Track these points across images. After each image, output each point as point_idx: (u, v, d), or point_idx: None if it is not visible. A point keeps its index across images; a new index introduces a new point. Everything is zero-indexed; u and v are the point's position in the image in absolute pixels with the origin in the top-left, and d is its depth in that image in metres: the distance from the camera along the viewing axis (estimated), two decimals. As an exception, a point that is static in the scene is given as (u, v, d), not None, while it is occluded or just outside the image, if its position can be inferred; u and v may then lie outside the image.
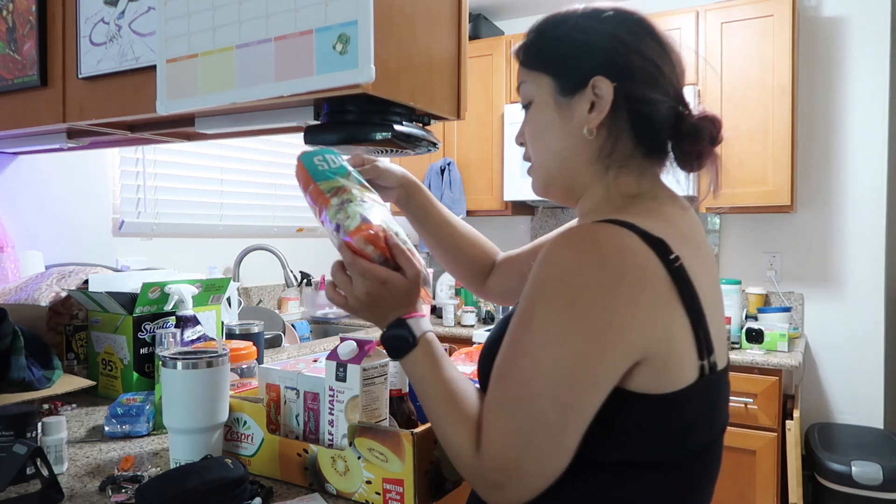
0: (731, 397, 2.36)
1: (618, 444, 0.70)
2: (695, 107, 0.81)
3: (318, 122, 1.11)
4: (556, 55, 0.80)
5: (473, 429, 0.72)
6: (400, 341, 0.79)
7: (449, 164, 3.26)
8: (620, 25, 0.78)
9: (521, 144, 0.88)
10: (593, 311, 0.66)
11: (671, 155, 0.81)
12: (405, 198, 1.10)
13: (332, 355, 0.97)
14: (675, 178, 0.83)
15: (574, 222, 0.89)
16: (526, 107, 0.84)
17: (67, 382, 1.34)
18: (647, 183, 0.80)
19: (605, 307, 0.65)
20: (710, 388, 0.73)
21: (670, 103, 0.78)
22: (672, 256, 0.69)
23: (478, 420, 0.73)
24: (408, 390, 1.04)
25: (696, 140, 0.77)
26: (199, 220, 2.62)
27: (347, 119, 1.05)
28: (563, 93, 0.79)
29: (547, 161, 0.83)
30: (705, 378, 0.71)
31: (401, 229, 0.83)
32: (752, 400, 2.39)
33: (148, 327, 1.46)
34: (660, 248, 0.69)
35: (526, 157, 0.87)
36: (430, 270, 3.13)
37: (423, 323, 0.81)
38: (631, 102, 0.77)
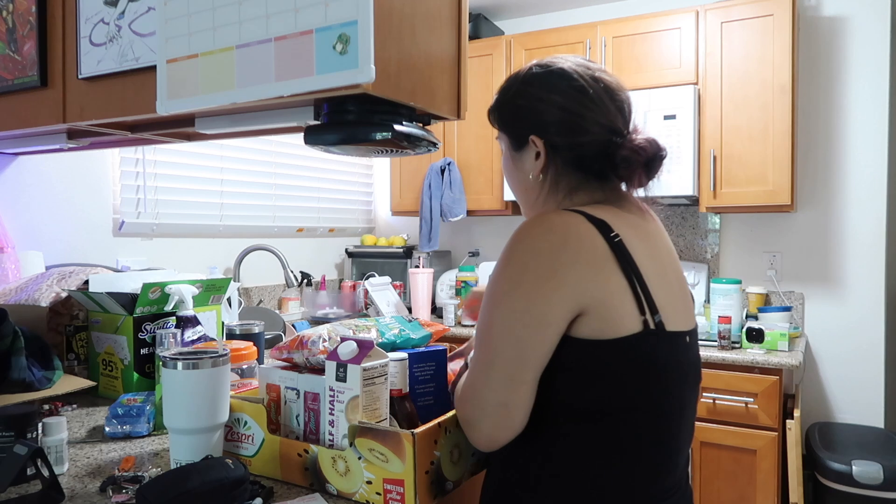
0: (731, 397, 2.38)
1: (578, 389, 0.86)
2: (641, 128, 0.97)
3: (318, 122, 1.11)
4: (506, 119, 1.03)
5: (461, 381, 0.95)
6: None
7: (449, 164, 3.26)
8: (545, 86, 0.97)
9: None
10: (541, 267, 0.84)
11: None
12: None
13: (333, 355, 0.97)
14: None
15: None
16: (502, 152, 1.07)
17: (68, 383, 1.34)
18: (597, 196, 0.97)
19: (549, 266, 0.84)
20: (661, 343, 0.88)
21: (600, 139, 0.94)
22: (612, 234, 0.87)
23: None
24: (408, 390, 1.04)
25: (628, 167, 0.93)
26: (199, 221, 2.62)
27: (347, 119, 1.05)
28: (515, 149, 1.02)
29: (516, 193, 1.07)
30: (650, 332, 0.86)
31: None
32: (752, 399, 2.39)
33: (148, 327, 1.46)
34: (601, 227, 0.87)
35: None
36: (431, 270, 3.13)
37: None
38: (559, 149, 0.96)
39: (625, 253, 0.87)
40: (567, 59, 1.00)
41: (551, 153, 0.97)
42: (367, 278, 3.13)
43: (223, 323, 1.66)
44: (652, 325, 0.87)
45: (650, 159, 0.93)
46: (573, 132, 0.95)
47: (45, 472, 0.92)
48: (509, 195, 3.15)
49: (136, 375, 1.44)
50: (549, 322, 0.84)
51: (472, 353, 0.98)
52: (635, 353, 0.85)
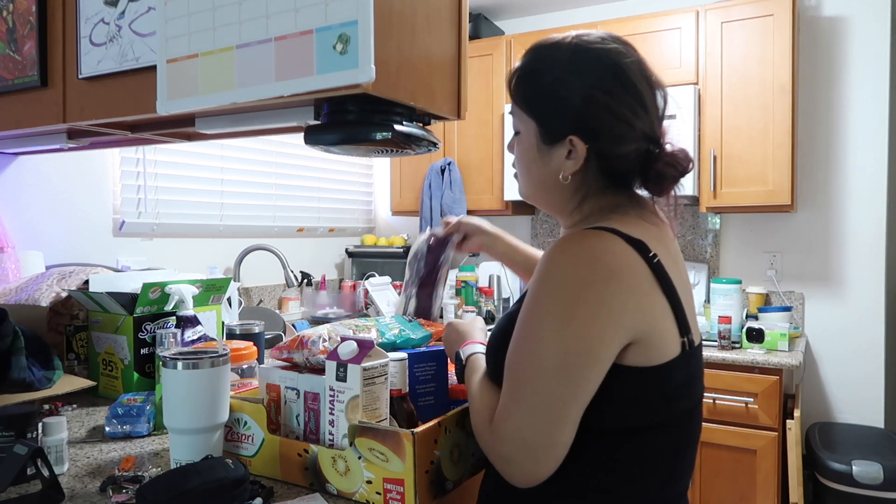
0: (731, 397, 2.38)
1: (615, 413, 0.82)
2: (672, 139, 0.90)
3: (319, 122, 1.11)
4: (540, 106, 0.90)
5: (489, 411, 0.86)
6: (459, 371, 1.04)
7: (449, 164, 3.26)
8: (599, 80, 0.86)
9: (512, 152, 0.99)
10: (591, 302, 0.79)
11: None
12: (490, 244, 1.32)
13: (333, 355, 0.97)
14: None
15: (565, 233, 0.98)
16: (516, 132, 0.96)
17: (68, 383, 1.34)
18: (619, 200, 0.91)
19: (599, 299, 0.78)
20: (690, 361, 0.86)
21: (641, 149, 0.88)
22: (651, 254, 0.82)
23: (494, 406, 0.86)
24: (408, 390, 1.04)
25: (661, 181, 0.89)
26: (199, 221, 2.62)
27: (348, 119, 1.05)
28: (544, 140, 0.90)
29: (529, 184, 0.97)
30: (686, 353, 0.84)
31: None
32: (752, 399, 2.39)
33: (148, 327, 1.46)
34: (640, 247, 0.82)
35: (513, 164, 0.98)
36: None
37: (469, 348, 1.03)
38: (600, 158, 0.89)
39: (664, 274, 0.83)
40: (609, 41, 0.89)
41: (591, 158, 0.88)
42: (367, 278, 3.13)
43: (223, 323, 1.66)
44: (687, 346, 0.85)
45: (683, 173, 0.88)
46: (619, 142, 0.87)
47: (45, 472, 0.92)
48: (510, 195, 3.15)
49: (136, 375, 1.44)
50: (602, 359, 0.79)
51: (477, 366, 0.98)
52: (675, 376, 0.84)
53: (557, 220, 0.99)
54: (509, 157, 3.15)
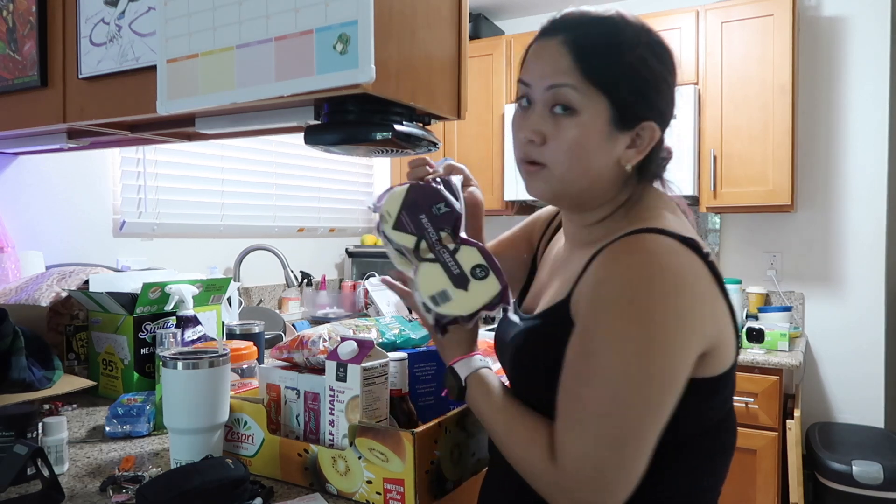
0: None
1: (679, 424, 0.74)
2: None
3: (319, 122, 1.11)
4: (618, 85, 0.78)
5: (544, 447, 0.75)
6: (453, 390, 0.88)
7: (449, 164, 3.26)
8: (671, 68, 0.82)
9: (534, 142, 0.81)
10: (667, 317, 0.70)
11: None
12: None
13: (333, 355, 0.97)
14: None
15: (593, 233, 0.87)
16: (564, 109, 0.78)
17: (68, 383, 1.34)
18: (642, 192, 0.85)
19: (675, 312, 0.70)
20: (736, 361, 0.83)
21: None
22: (705, 252, 0.75)
23: (546, 438, 0.75)
24: (408, 390, 1.04)
25: (663, 170, 0.87)
26: (199, 221, 2.62)
27: (348, 119, 1.05)
28: (616, 125, 0.78)
29: (574, 176, 0.80)
30: (736, 354, 0.81)
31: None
32: (752, 399, 2.39)
33: (148, 327, 1.46)
34: (695, 247, 0.74)
35: (531, 159, 0.82)
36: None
37: (471, 362, 0.87)
38: (657, 146, 0.83)
39: (719, 275, 0.77)
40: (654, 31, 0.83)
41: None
42: (367, 278, 3.13)
43: (223, 323, 1.66)
44: (737, 347, 0.81)
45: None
46: (669, 130, 0.84)
47: (46, 472, 0.92)
48: (510, 195, 3.14)
49: (136, 375, 1.44)
50: (683, 377, 0.72)
51: (491, 386, 0.84)
52: (731, 382, 0.81)
53: (572, 216, 0.88)
54: (509, 158, 3.17)
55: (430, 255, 0.86)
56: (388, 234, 0.87)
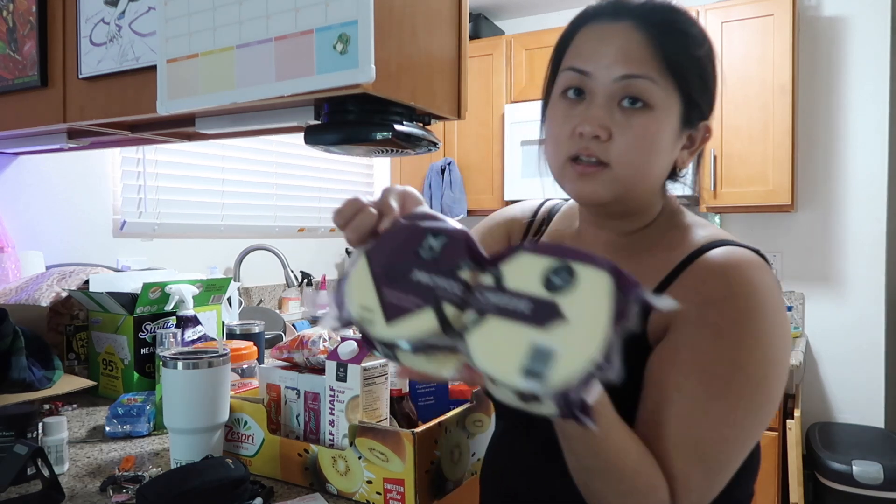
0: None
1: None
2: None
3: (319, 122, 1.11)
4: (691, 80, 0.71)
5: (663, 486, 0.64)
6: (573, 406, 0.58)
7: (449, 164, 3.26)
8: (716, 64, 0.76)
9: (599, 138, 0.70)
10: (781, 341, 0.68)
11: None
12: None
13: (333, 355, 0.97)
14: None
15: (629, 240, 0.80)
16: (634, 102, 0.70)
17: (68, 383, 1.34)
18: (668, 196, 0.82)
19: (782, 335, 0.68)
20: None
21: None
22: (769, 262, 0.73)
23: (663, 476, 0.65)
24: (408, 390, 1.04)
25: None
26: (199, 221, 2.62)
27: (348, 119, 1.05)
28: (684, 124, 0.73)
29: (639, 179, 0.72)
30: None
31: None
32: (752, 399, 2.39)
33: (149, 327, 1.46)
34: (765, 259, 0.73)
35: (593, 158, 0.71)
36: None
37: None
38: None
39: None
40: None
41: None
42: (367, 278, 3.12)
43: (223, 323, 1.66)
44: None
45: None
46: None
47: (46, 472, 0.92)
48: (510, 195, 3.14)
49: (136, 375, 1.44)
50: None
51: (614, 415, 0.63)
52: None
53: (606, 223, 0.80)
54: (509, 157, 3.17)
55: (473, 316, 0.48)
56: (386, 337, 0.50)
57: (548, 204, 0.96)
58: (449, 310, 0.48)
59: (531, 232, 0.93)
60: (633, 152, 0.70)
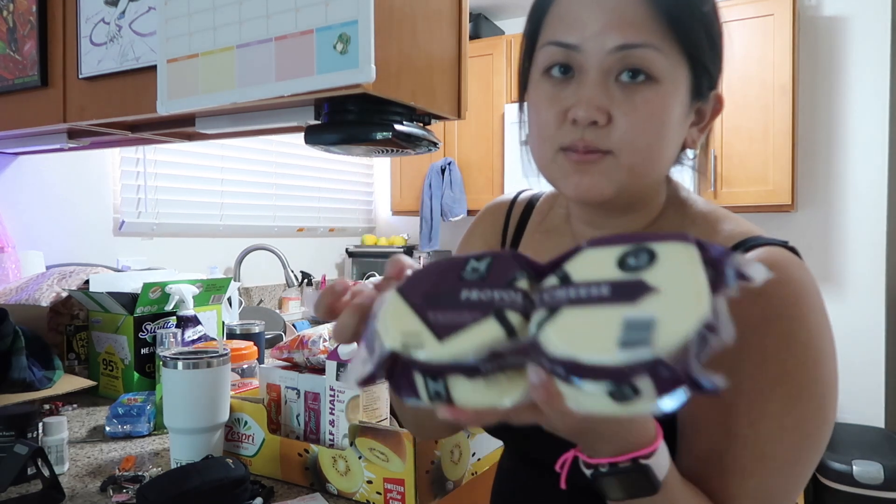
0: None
1: None
2: None
3: (319, 122, 1.11)
4: (699, 43, 0.58)
5: None
6: (637, 489, 0.50)
7: (449, 164, 3.26)
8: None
9: (597, 123, 0.56)
10: (830, 347, 0.62)
11: None
12: None
13: (333, 355, 0.97)
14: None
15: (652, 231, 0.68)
16: (635, 76, 0.56)
17: (68, 382, 1.34)
18: (671, 185, 0.69)
19: (831, 344, 0.63)
20: None
21: None
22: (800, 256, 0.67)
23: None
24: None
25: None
26: (199, 220, 2.62)
27: (348, 119, 1.05)
28: (694, 96, 0.60)
29: (648, 166, 0.59)
30: None
31: None
32: (752, 399, 2.39)
33: (149, 327, 1.46)
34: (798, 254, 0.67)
35: (591, 146, 0.57)
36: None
37: (664, 449, 0.51)
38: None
39: None
40: None
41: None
42: (367, 278, 3.13)
43: (223, 323, 1.66)
44: None
45: None
46: None
47: (46, 472, 0.92)
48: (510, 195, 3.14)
49: (136, 375, 1.44)
50: None
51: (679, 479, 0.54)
52: None
53: (606, 222, 0.66)
54: (510, 157, 3.17)
55: (543, 314, 0.40)
56: (443, 357, 0.40)
57: (524, 195, 0.87)
58: (513, 316, 0.41)
59: (506, 238, 0.84)
60: (640, 136, 0.56)
